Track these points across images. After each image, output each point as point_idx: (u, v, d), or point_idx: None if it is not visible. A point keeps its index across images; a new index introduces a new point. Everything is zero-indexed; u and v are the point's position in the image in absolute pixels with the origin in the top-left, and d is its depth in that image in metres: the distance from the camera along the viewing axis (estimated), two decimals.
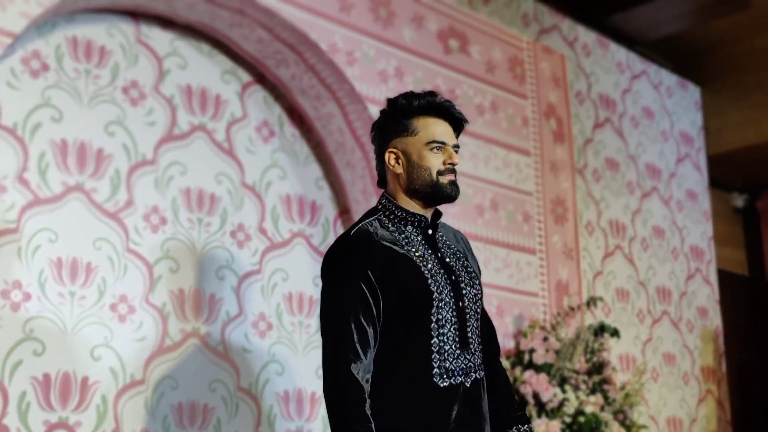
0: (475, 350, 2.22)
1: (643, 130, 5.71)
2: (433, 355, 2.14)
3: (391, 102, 2.27)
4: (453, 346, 2.16)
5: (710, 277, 6.10)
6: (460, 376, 2.16)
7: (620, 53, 5.70)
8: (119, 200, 3.47)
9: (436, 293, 2.16)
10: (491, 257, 4.29)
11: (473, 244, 4.18)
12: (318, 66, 3.90)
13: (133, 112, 3.59)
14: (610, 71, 5.55)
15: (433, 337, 2.14)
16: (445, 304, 2.17)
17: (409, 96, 2.24)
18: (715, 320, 6.07)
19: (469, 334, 2.20)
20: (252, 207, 3.87)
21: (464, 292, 2.22)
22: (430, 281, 2.16)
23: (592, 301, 4.37)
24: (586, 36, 5.43)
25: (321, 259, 3.98)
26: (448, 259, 2.24)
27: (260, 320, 3.78)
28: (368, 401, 2.07)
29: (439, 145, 2.22)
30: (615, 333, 4.21)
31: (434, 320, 2.15)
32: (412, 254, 2.19)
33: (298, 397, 3.78)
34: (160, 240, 3.55)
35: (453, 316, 2.18)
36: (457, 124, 2.27)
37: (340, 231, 4.15)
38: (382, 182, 2.32)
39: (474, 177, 4.33)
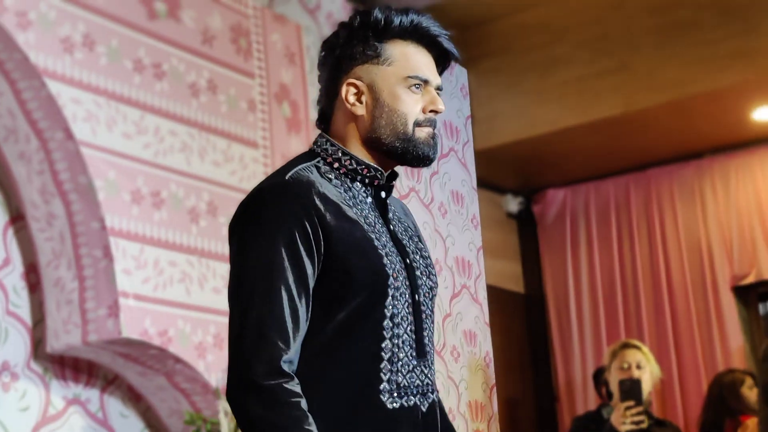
0: (431, 363, 2.06)
1: None
2: (383, 364, 1.96)
3: (360, 14, 2.09)
4: (408, 355, 2.00)
5: (479, 295, 6.46)
6: (415, 396, 2.00)
7: None
8: None
9: (392, 278, 1.98)
10: (208, 274, 4.40)
11: (184, 257, 4.28)
12: None
13: None
14: None
15: (384, 339, 1.97)
16: (401, 295, 2.00)
17: (388, 9, 2.07)
18: (485, 346, 6.49)
19: (426, 340, 2.05)
20: None
21: (419, 282, 2.06)
22: (385, 261, 1.99)
23: None
24: (331, 3, 5.51)
25: None
26: (400, 236, 2.09)
27: None
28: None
29: (420, 82, 2.06)
30: None
31: (388, 316, 1.97)
32: (361, 220, 2.01)
33: None
34: None
35: (408, 313, 2.01)
36: (442, 59, 2.13)
37: (12, 242, 4.10)
38: (323, 122, 2.13)
39: (186, 174, 4.41)
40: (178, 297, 4.24)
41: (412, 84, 2.05)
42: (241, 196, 4.52)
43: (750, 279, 6.77)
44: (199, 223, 4.41)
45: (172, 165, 4.35)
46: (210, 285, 4.39)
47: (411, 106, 2.04)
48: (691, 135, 6.82)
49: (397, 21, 2.06)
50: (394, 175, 2.13)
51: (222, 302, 4.33)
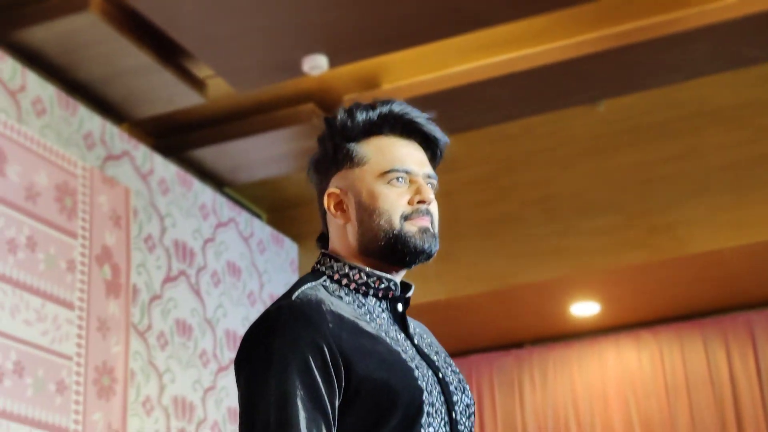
0: None
1: (226, 290, 5.70)
2: None
3: (326, 120, 1.95)
4: None
5: None
6: None
7: (206, 194, 5.76)
8: None
9: (426, 393, 1.79)
10: None
11: None
12: None
13: None
14: (192, 215, 5.62)
15: None
16: (437, 412, 1.80)
17: (353, 107, 1.92)
18: None
19: None
20: None
21: (455, 398, 1.86)
22: (417, 374, 1.79)
23: None
24: (165, 169, 5.60)
25: None
26: (426, 351, 1.90)
27: None
28: None
29: (402, 174, 1.88)
30: None
31: None
32: (383, 334, 1.83)
33: None
34: None
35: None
36: (431, 145, 1.95)
37: None
38: (323, 242, 1.98)
39: None
40: None
41: (391, 178, 1.87)
42: (51, 358, 4.45)
43: None
44: (2, 383, 4.28)
45: None
46: None
47: (393, 201, 1.86)
48: (512, 325, 7.05)
49: (362, 117, 1.90)
50: (408, 287, 1.94)
51: None
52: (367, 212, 1.87)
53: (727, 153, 5.99)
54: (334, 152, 1.92)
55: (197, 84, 5.43)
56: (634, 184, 6.14)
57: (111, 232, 5.06)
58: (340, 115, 1.92)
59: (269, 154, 5.96)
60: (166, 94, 5.35)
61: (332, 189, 1.91)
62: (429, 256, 1.88)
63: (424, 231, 1.86)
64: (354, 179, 1.89)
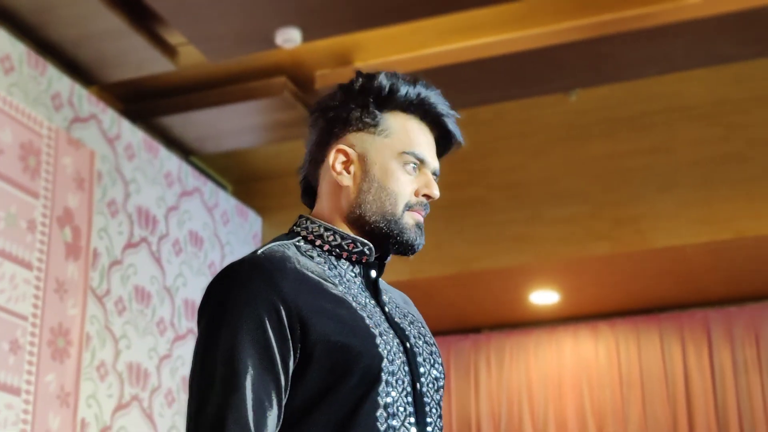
0: None
1: (187, 259, 5.69)
2: None
3: (364, 77, 1.91)
4: None
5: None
6: None
7: (172, 162, 5.73)
8: None
9: (386, 361, 1.74)
10: None
11: None
12: None
13: None
14: (156, 182, 5.60)
15: None
16: (397, 382, 1.75)
17: (395, 77, 1.90)
18: None
19: None
20: None
21: (422, 370, 1.81)
22: (378, 341, 1.75)
23: None
24: (132, 134, 5.56)
25: None
26: (398, 320, 1.86)
27: None
28: None
29: (417, 162, 1.88)
30: None
31: (382, 405, 1.72)
32: (349, 298, 1.79)
33: None
34: None
35: (407, 404, 1.77)
36: (443, 142, 1.96)
37: None
38: (308, 196, 1.96)
39: None
40: None
41: (407, 162, 1.86)
42: (7, 318, 4.40)
43: None
44: None
45: None
46: None
47: (403, 186, 1.85)
48: (471, 309, 7.07)
49: (403, 91, 1.88)
50: (386, 254, 1.90)
51: None
52: (373, 186, 1.85)
53: (697, 149, 6.03)
54: (360, 112, 1.88)
55: (169, 51, 5.38)
56: (602, 175, 6.16)
57: (74, 195, 5.02)
58: (382, 79, 1.88)
59: (238, 125, 5.93)
60: (137, 59, 5.30)
61: (344, 146, 1.87)
62: (413, 252, 1.87)
63: (418, 226, 1.86)
64: (371, 147, 1.87)
